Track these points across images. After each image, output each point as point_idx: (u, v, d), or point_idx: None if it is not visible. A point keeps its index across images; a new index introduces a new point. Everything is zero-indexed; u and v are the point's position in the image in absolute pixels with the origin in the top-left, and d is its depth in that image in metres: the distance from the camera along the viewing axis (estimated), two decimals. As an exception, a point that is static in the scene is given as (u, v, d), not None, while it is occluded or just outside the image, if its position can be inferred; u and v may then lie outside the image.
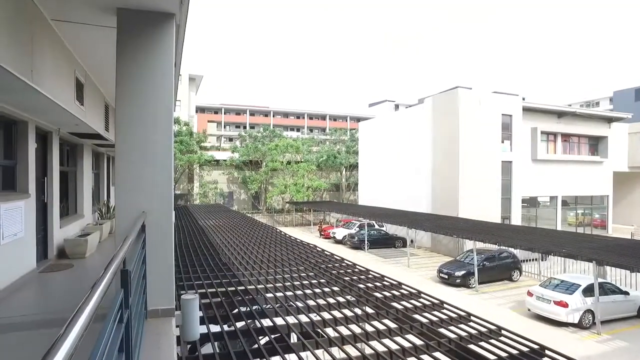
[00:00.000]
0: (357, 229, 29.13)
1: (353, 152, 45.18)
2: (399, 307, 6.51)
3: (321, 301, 6.71)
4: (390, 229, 28.86)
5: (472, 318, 6.20)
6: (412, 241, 23.83)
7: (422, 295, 7.16)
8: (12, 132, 6.22)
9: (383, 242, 27.43)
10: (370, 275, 8.50)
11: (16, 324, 4.57)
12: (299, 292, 7.04)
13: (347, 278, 8.13)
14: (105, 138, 8.88)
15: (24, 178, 6.35)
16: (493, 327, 5.86)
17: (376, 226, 29.50)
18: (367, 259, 22.77)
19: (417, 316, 6.17)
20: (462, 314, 6.32)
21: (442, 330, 5.69)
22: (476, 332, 5.72)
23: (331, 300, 6.78)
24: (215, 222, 16.51)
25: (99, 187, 12.40)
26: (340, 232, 29.69)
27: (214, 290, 6.85)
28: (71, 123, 6.97)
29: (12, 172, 6.23)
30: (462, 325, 5.93)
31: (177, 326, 4.22)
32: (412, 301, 6.92)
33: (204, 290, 6.81)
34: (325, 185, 43.16)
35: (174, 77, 4.31)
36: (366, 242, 26.27)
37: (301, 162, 42.49)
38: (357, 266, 9.15)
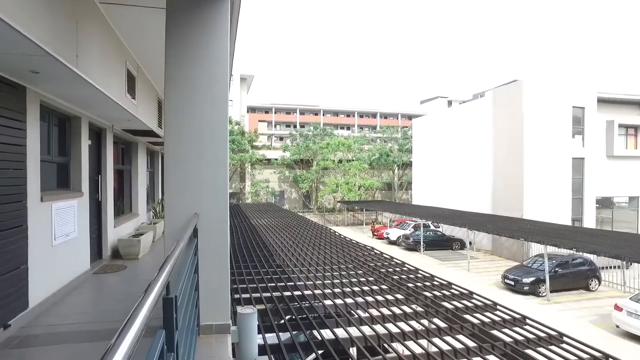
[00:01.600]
0: (412, 229, 27.95)
1: (406, 150, 43.73)
2: (475, 321, 5.66)
3: (385, 310, 5.97)
4: (447, 229, 27.42)
5: (528, 321, 5.59)
6: (470, 243, 22.33)
7: (500, 308, 6.23)
8: (66, 128, 6.01)
9: (439, 244, 26.08)
10: (436, 282, 7.64)
11: (67, 333, 4.23)
12: (359, 300, 6.36)
13: (410, 284, 7.33)
14: (158, 135, 8.66)
15: (78, 176, 6.13)
16: (553, 333, 5.16)
17: (432, 227, 28.14)
18: (423, 261, 21.64)
19: (496, 333, 5.31)
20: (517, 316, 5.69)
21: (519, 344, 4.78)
22: (534, 336, 5.09)
23: (396, 310, 6.03)
24: (267, 221, 16.18)
25: (153, 185, 12.37)
26: (394, 233, 28.63)
27: (268, 294, 6.31)
28: (123, 118, 6.71)
29: (66, 170, 6.02)
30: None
31: (233, 344, 3.67)
32: (488, 314, 6.03)
33: (258, 295, 6.32)
34: (378, 184, 42.09)
35: (228, 64, 3.74)
36: (422, 243, 25.07)
37: (353, 160, 41.72)
38: (420, 271, 8.30)
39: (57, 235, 5.29)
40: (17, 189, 4.32)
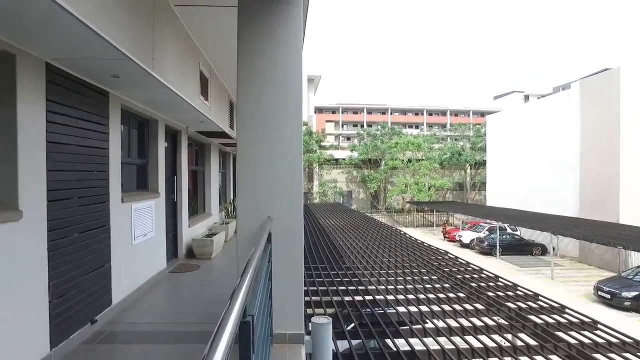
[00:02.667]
0: (487, 232, 26.35)
1: (479, 149, 41.51)
2: (571, 340, 4.98)
3: (464, 321, 5.48)
4: (525, 233, 25.47)
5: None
6: (553, 249, 20.47)
7: (602, 327, 5.45)
8: (144, 130, 6.25)
9: (517, 248, 24.29)
10: (520, 292, 6.93)
11: (146, 333, 4.33)
12: (435, 308, 5.91)
13: (490, 293, 6.70)
14: (230, 136, 8.80)
15: (155, 177, 6.34)
16: (629, 340, 4.65)
17: (508, 230, 26.33)
18: (499, 266, 20.26)
19: (600, 357, 4.60)
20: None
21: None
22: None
23: (477, 322, 5.51)
24: (335, 222, 16.03)
25: (225, 186, 12.71)
26: (467, 235, 27.23)
27: (339, 298, 6.08)
28: (197, 120, 6.85)
29: (144, 171, 6.26)
30: None
31: (307, 354, 3.48)
32: (586, 333, 5.29)
33: (328, 298, 6.12)
34: (449, 185, 40.40)
35: (301, 63, 3.56)
36: (498, 247, 23.51)
37: (422, 160, 40.41)
38: (501, 279, 7.60)
39: (137, 235, 5.48)
40: (100, 190, 4.49)
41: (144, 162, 6.19)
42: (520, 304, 6.28)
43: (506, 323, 5.52)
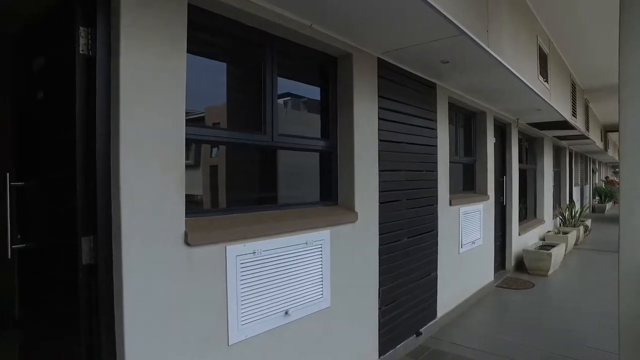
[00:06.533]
0: None
1: None
2: None
3: None
4: None
5: None
6: None
7: None
8: (470, 125, 5.61)
9: None
10: None
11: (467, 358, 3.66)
12: None
13: None
14: (571, 126, 7.05)
15: (483, 177, 5.61)
16: None
17: None
18: None
19: None
20: None
21: None
22: None
23: None
24: None
25: (559, 187, 10.62)
26: None
27: None
28: (532, 108, 5.65)
29: (471, 171, 5.62)
30: None
31: None
32: None
33: None
34: None
35: None
36: None
37: None
38: None
39: (464, 242, 4.87)
40: (429, 192, 4.11)
41: (470, 160, 5.55)
42: None
43: None
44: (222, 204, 2.79)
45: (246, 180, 3.00)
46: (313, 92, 3.36)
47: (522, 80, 4.10)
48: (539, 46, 4.88)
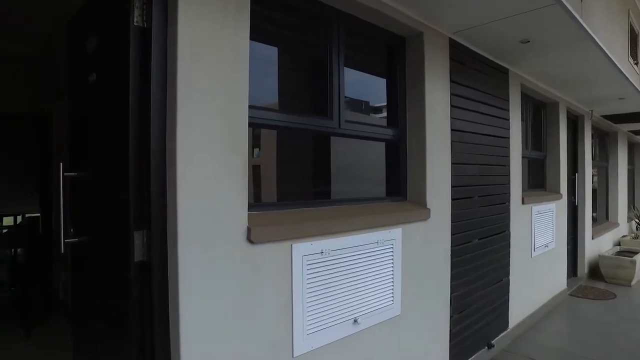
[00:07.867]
0: None
1: None
2: None
3: None
4: None
5: None
6: None
7: None
8: (541, 117, 5.10)
9: None
10: None
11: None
12: None
13: None
14: (653, 119, 6.33)
15: (555, 174, 5.09)
16: None
17: None
18: None
19: None
20: None
21: None
22: None
23: None
24: None
25: (633, 187, 9.68)
26: None
27: None
28: (613, 97, 5.06)
29: (541, 166, 5.11)
30: None
31: None
32: None
33: None
34: None
35: None
36: None
37: None
38: None
39: (537, 245, 4.39)
40: (501, 188, 3.69)
41: (541, 155, 5.04)
42: None
43: None
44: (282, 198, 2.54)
45: (303, 173, 2.75)
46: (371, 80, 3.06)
47: (611, 61, 3.59)
48: (630, 24, 4.32)
